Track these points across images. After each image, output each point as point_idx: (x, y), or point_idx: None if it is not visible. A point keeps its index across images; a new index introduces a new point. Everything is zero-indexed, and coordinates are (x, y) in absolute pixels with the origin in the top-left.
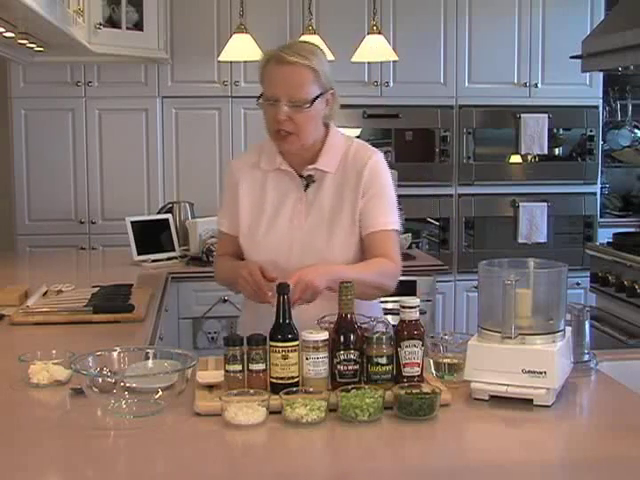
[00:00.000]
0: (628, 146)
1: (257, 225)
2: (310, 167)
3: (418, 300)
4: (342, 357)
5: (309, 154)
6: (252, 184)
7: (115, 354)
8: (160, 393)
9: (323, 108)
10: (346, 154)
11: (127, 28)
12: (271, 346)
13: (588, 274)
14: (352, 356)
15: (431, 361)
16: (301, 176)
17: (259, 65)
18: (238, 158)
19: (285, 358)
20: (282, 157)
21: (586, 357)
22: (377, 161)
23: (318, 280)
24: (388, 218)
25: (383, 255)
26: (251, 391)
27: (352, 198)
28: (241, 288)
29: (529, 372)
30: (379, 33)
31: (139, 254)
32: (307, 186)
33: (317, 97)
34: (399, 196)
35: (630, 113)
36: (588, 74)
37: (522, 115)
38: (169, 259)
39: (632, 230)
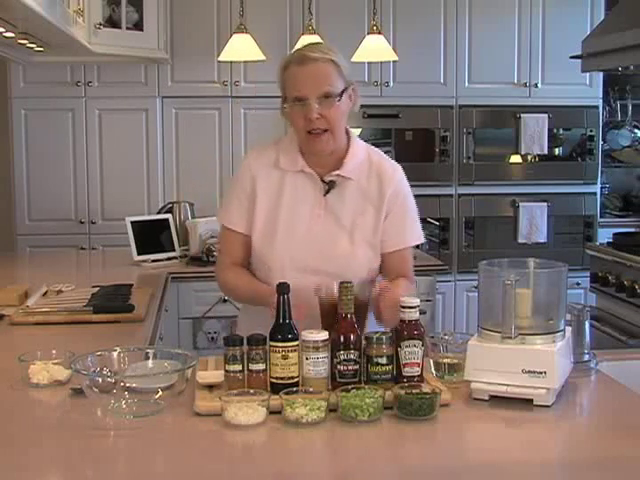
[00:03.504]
0: (628, 146)
1: (273, 226)
2: (334, 173)
3: (418, 300)
4: (342, 357)
5: (332, 159)
6: (269, 183)
7: (115, 354)
8: (160, 393)
9: (348, 104)
10: (368, 164)
11: (127, 28)
12: (271, 346)
13: (588, 274)
14: (352, 356)
15: (431, 361)
16: (322, 181)
17: (279, 71)
18: (254, 155)
19: (285, 358)
20: (304, 160)
21: (586, 357)
22: (400, 179)
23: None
24: (407, 235)
25: (403, 274)
26: (251, 391)
27: (375, 212)
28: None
29: (529, 372)
30: (379, 33)
31: (139, 254)
32: (327, 191)
33: (343, 91)
34: None
35: (630, 113)
36: (588, 74)
37: (522, 115)
38: (169, 259)
39: (632, 230)
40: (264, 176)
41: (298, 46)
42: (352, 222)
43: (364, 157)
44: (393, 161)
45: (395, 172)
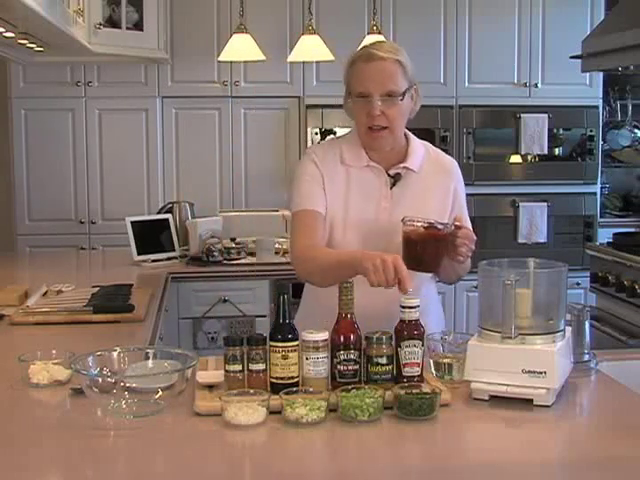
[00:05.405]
0: (628, 146)
1: (342, 220)
2: (401, 165)
3: (418, 300)
4: (342, 357)
5: (393, 155)
6: (335, 178)
7: (115, 354)
8: (160, 393)
9: (410, 104)
10: (428, 158)
11: (127, 28)
12: (271, 346)
13: (588, 274)
14: (352, 356)
15: (431, 361)
16: (388, 174)
17: (345, 66)
18: (317, 150)
19: (285, 358)
20: (368, 156)
21: (586, 357)
22: (459, 172)
23: None
24: (467, 226)
25: None
26: (251, 391)
27: (440, 204)
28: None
29: (529, 372)
30: (379, 33)
31: (139, 254)
32: (393, 184)
33: (406, 91)
34: None
35: (630, 113)
36: (588, 74)
37: (522, 115)
38: (169, 259)
39: (632, 230)
40: (330, 171)
41: (299, 46)
42: (417, 213)
43: (424, 152)
44: (448, 155)
45: (454, 165)
